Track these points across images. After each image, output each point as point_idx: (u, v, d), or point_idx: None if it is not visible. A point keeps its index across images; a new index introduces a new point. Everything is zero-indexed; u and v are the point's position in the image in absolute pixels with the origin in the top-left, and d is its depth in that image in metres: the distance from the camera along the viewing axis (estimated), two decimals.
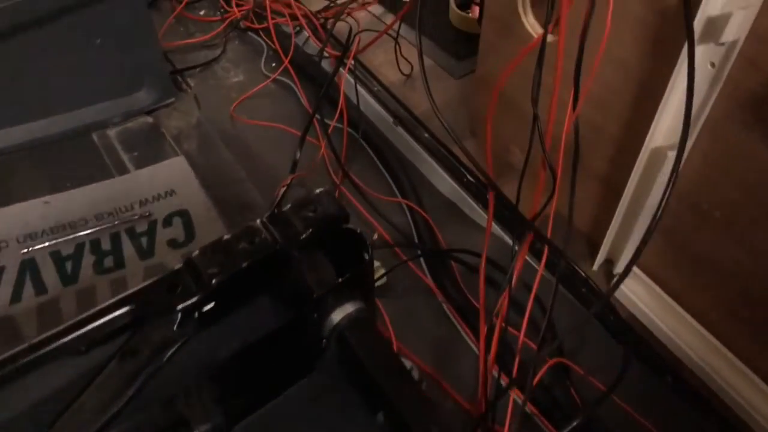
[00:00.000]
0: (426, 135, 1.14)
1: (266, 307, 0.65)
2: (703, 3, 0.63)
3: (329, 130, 1.15)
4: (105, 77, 1.10)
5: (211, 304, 0.60)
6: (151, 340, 0.58)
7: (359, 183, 1.10)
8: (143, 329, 0.59)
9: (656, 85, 0.71)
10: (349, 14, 1.33)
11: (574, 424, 0.72)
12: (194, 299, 0.59)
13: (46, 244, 0.96)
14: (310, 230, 0.63)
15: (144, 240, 0.98)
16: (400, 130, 1.16)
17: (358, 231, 0.65)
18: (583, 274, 0.92)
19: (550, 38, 0.83)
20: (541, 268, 0.75)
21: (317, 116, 1.18)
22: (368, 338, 0.59)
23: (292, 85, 1.29)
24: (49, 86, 1.06)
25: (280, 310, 0.67)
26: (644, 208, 0.80)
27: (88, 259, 0.95)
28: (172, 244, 0.98)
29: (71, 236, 0.97)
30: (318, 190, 0.67)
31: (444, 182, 1.10)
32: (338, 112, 1.16)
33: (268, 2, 1.34)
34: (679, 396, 0.83)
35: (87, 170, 1.08)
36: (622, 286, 0.91)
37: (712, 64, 0.67)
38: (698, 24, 0.64)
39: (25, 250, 0.95)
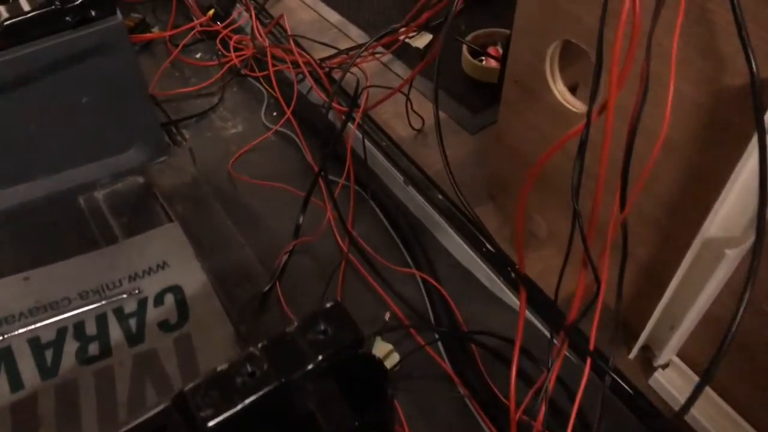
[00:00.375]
0: (440, 196, 1.05)
1: None
2: None
3: (335, 194, 1.06)
4: (92, 136, 1.02)
5: None
6: None
7: (368, 250, 1.01)
8: None
9: (715, 173, 0.62)
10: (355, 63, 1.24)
11: None
12: None
13: (24, 329, 0.87)
14: (320, 357, 0.54)
15: (133, 322, 0.89)
16: (411, 190, 1.08)
17: (377, 359, 0.56)
18: (630, 390, 0.82)
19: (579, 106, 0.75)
20: (585, 376, 0.66)
21: (322, 173, 1.10)
22: None
23: (295, 137, 1.20)
24: (31, 148, 0.97)
25: None
26: (695, 302, 0.71)
27: (70, 346, 0.86)
28: (164, 326, 0.89)
29: (52, 319, 0.88)
30: (328, 304, 0.59)
31: (460, 250, 1.01)
32: (345, 170, 1.07)
33: (268, 48, 1.26)
34: None
35: (71, 239, 0.99)
36: (659, 376, 0.82)
37: None
38: None
39: (1, 337, 0.86)
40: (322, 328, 0.56)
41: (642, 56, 0.57)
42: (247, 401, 0.51)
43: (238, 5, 1.41)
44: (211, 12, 1.38)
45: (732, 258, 0.63)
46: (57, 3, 0.87)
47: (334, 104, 1.15)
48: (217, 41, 1.35)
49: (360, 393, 0.55)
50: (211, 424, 0.50)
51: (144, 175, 1.09)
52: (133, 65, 0.97)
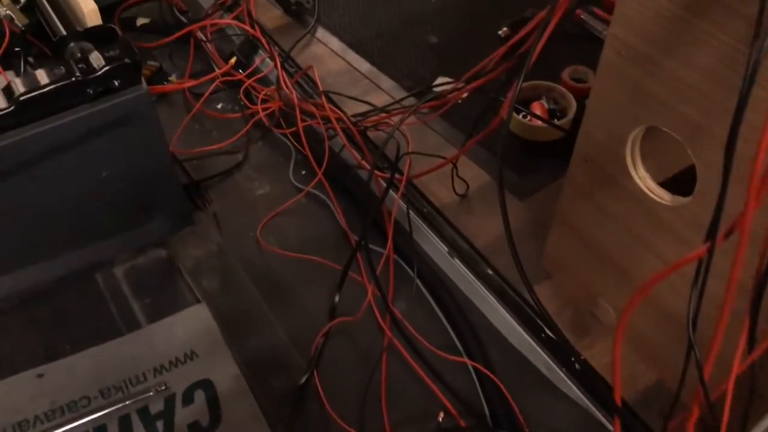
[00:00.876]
0: (489, 271, 0.97)
1: None
2: None
3: (378, 269, 0.97)
4: (112, 210, 0.93)
5: None
6: None
7: (414, 333, 0.92)
8: None
9: None
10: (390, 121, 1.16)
11: None
12: None
13: None
14: None
15: (160, 425, 0.80)
16: (457, 262, 0.99)
17: None
18: None
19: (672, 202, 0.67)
20: None
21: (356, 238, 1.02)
22: None
23: (327, 200, 1.12)
24: (45, 226, 0.89)
25: None
26: None
27: None
28: (195, 429, 0.80)
29: (71, 425, 0.79)
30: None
31: (515, 333, 0.92)
32: (388, 244, 0.99)
33: (297, 102, 1.17)
34: None
35: (89, 325, 0.91)
36: None
37: None
38: None
39: None
40: None
41: None
42: None
43: (260, 52, 1.33)
44: (233, 60, 1.30)
45: None
46: (78, 74, 0.79)
47: (364, 165, 1.07)
48: (241, 92, 1.27)
49: None
50: None
51: (166, 247, 1.01)
52: (158, 134, 0.89)
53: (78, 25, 0.94)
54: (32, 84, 0.78)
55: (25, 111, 0.77)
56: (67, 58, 0.85)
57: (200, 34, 1.38)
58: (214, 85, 1.27)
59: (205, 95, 1.26)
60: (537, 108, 1.15)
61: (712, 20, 0.54)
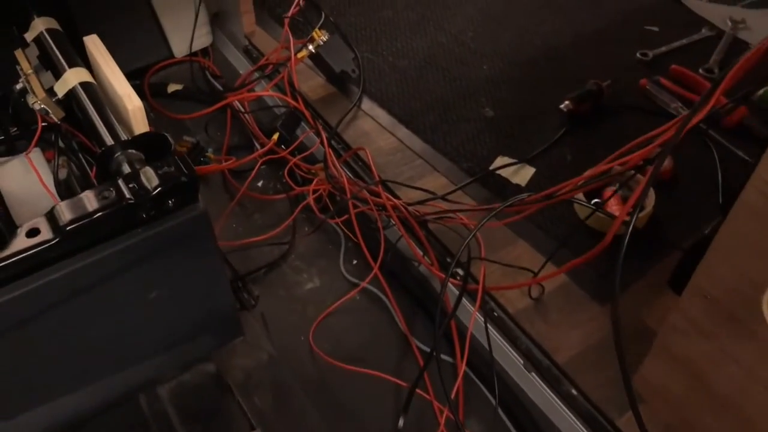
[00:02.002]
0: (574, 392, 0.87)
1: None
2: None
3: (453, 392, 0.88)
4: (158, 329, 0.84)
5: None
6: None
7: None
8: None
9: None
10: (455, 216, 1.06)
11: None
12: None
13: None
14: None
15: None
16: (535, 378, 0.90)
17: None
18: None
19: None
20: None
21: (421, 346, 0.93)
22: None
23: (384, 297, 1.03)
24: (87, 353, 0.80)
25: None
26: None
27: None
28: None
29: None
30: None
31: None
32: (463, 362, 0.89)
33: (348, 185, 1.08)
34: None
35: None
36: None
37: None
38: None
39: None
40: None
41: None
42: None
43: (304, 125, 1.25)
44: (276, 136, 1.21)
45: None
46: (129, 197, 0.70)
47: (433, 270, 0.98)
48: (285, 173, 1.18)
49: None
50: None
51: (213, 359, 0.92)
52: (214, 255, 0.80)
53: (122, 125, 0.85)
54: (79, 210, 0.69)
55: (72, 241, 0.68)
56: (113, 172, 0.76)
57: (238, 105, 1.29)
58: (258, 166, 1.19)
59: (249, 178, 1.17)
60: (610, 196, 1.06)
61: None
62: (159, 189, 0.72)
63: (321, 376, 0.95)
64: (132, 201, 0.71)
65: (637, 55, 1.37)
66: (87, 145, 0.93)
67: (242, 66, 1.41)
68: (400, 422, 0.87)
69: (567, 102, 1.21)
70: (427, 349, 0.96)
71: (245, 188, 1.15)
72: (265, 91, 1.29)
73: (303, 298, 1.05)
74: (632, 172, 1.01)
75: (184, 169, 0.73)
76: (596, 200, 1.06)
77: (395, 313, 1.01)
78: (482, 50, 1.40)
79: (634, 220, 0.70)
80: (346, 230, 1.12)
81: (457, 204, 1.06)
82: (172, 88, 1.38)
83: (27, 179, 0.89)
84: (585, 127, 1.22)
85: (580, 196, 1.04)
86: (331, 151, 1.16)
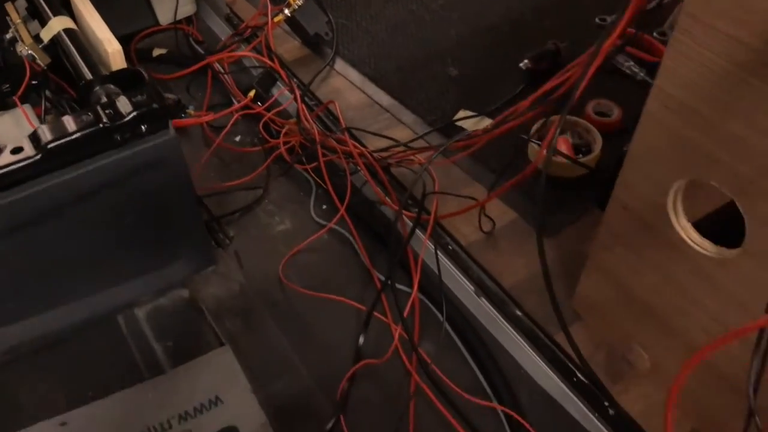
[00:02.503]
0: (518, 313, 0.95)
1: None
2: None
3: (406, 311, 0.96)
4: (134, 253, 0.92)
5: None
6: None
7: (443, 377, 0.90)
8: None
9: None
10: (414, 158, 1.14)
11: None
12: None
13: None
14: None
15: None
16: (484, 302, 0.98)
17: None
18: None
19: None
20: None
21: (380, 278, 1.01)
22: None
23: (349, 236, 1.10)
24: (65, 272, 0.88)
25: None
26: None
27: None
28: None
29: None
30: None
31: (545, 377, 0.91)
32: (415, 284, 0.97)
33: (318, 137, 1.16)
34: None
35: (112, 370, 0.89)
36: None
37: None
38: None
39: None
40: None
41: None
42: None
43: (279, 84, 1.32)
44: (252, 93, 1.29)
45: None
46: (105, 121, 0.78)
47: (391, 205, 1.06)
48: (260, 126, 1.26)
49: None
50: None
51: (188, 287, 1.00)
52: (184, 178, 0.87)
53: (102, 66, 0.93)
54: (59, 131, 0.77)
55: (53, 159, 0.76)
56: (93, 102, 0.84)
57: (218, 66, 1.37)
58: (234, 119, 1.26)
59: (225, 129, 1.25)
60: (561, 143, 1.13)
61: None
62: (133, 114, 0.79)
63: (289, 303, 1.02)
64: (108, 124, 0.78)
65: (596, 20, 1.44)
66: (69, 93, 1.01)
67: (224, 33, 1.49)
68: (360, 340, 0.95)
69: (526, 60, 1.29)
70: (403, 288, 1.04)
71: (221, 139, 1.23)
72: (243, 52, 1.37)
73: (275, 238, 1.13)
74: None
75: (156, 98, 0.81)
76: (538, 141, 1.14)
77: (359, 249, 1.09)
78: (449, 17, 1.47)
79: (550, 154, 0.77)
80: (316, 178, 1.19)
81: (416, 149, 1.14)
82: (157, 52, 1.46)
83: (19, 131, 0.96)
84: (542, 84, 1.29)
85: (534, 144, 1.12)
86: (303, 106, 1.24)
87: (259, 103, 1.30)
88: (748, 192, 0.60)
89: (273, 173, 1.22)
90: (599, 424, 0.85)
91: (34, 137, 0.76)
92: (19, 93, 0.98)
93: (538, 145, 1.07)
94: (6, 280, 0.83)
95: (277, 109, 1.28)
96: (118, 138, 0.79)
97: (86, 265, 0.88)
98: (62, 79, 1.03)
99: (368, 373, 0.93)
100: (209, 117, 1.26)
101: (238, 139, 1.30)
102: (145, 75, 0.85)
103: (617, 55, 1.29)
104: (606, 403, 0.85)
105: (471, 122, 1.22)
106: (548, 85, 0.96)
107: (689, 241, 0.69)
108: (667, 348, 0.80)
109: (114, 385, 0.87)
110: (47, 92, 0.98)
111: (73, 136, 0.76)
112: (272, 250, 1.10)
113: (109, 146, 0.79)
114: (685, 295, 0.72)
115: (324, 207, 1.17)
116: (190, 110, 1.32)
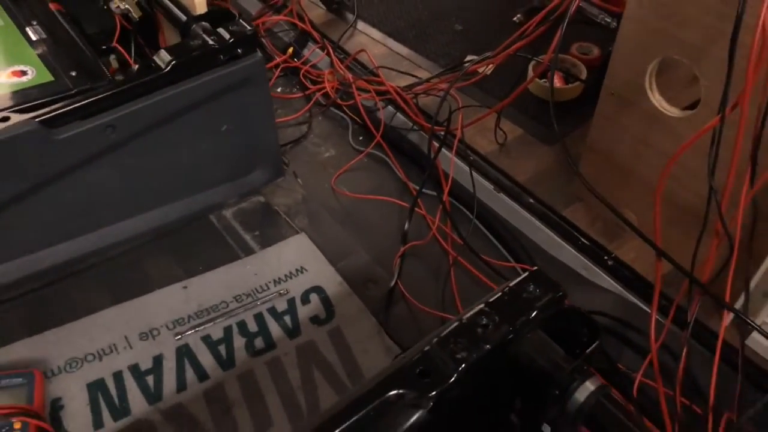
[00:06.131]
0: (531, 200, 1.19)
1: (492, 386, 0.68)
2: None
3: (440, 210, 1.19)
4: (225, 161, 1.14)
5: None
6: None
7: (472, 249, 1.14)
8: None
9: None
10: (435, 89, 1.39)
11: None
12: (448, 383, 0.61)
13: (196, 330, 0.97)
14: (535, 312, 0.67)
15: (287, 319, 1.01)
16: (502, 196, 1.21)
17: (582, 311, 0.69)
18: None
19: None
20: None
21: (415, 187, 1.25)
22: (620, 415, 0.62)
23: (386, 158, 1.34)
24: (174, 175, 1.09)
25: (506, 391, 0.69)
26: None
27: (239, 342, 0.97)
28: (316, 321, 1.01)
29: (218, 320, 0.99)
30: (528, 271, 0.72)
31: (556, 245, 1.14)
32: (448, 187, 1.21)
33: (353, 79, 1.40)
34: None
35: (214, 252, 1.11)
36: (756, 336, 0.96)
37: None
38: None
39: (178, 337, 0.96)
40: (531, 288, 0.69)
41: None
42: (488, 346, 0.64)
43: (310, 44, 1.56)
44: (291, 50, 1.52)
45: None
46: (213, 43, 1.00)
47: (423, 123, 1.30)
48: (301, 76, 1.49)
49: (565, 337, 0.68)
50: (464, 365, 0.62)
51: (263, 195, 1.22)
52: (267, 95, 1.10)
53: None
54: (179, 54, 0.99)
55: (176, 73, 0.98)
56: (192, 36, 1.06)
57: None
58: (278, 71, 1.49)
59: (273, 79, 1.48)
60: (555, 76, 1.39)
61: None
62: (232, 39, 1.02)
63: (342, 206, 1.25)
64: (215, 46, 1.00)
65: None
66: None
67: (253, 6, 1.72)
68: (406, 226, 1.18)
69: (519, 15, 1.55)
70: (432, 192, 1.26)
71: (270, 86, 1.45)
72: (280, 16, 1.60)
73: (323, 162, 1.35)
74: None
75: (247, 27, 1.03)
76: (544, 80, 1.39)
77: (396, 167, 1.32)
78: None
79: (554, 65, 1.01)
80: (352, 115, 1.42)
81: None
82: None
83: None
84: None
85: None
86: (336, 58, 1.48)
87: (295, 59, 1.53)
88: (700, 58, 0.85)
89: (315, 113, 1.45)
90: (601, 273, 1.09)
91: (159, 56, 0.99)
92: (114, 41, 1.20)
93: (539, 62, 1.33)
94: (141, 176, 1.04)
95: (313, 62, 1.51)
96: (222, 57, 1.02)
97: (190, 168, 1.10)
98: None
99: (415, 251, 1.17)
100: None
101: (279, 90, 1.53)
102: (234, 11, 1.07)
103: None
104: (605, 257, 1.10)
105: (479, 59, 1.47)
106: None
107: (662, 109, 0.94)
108: (649, 204, 1.05)
109: (218, 263, 1.09)
110: (139, 39, 1.20)
111: (192, 55, 0.99)
112: (322, 171, 1.33)
113: (216, 64, 1.01)
114: (660, 153, 0.97)
115: (361, 138, 1.40)
116: None
